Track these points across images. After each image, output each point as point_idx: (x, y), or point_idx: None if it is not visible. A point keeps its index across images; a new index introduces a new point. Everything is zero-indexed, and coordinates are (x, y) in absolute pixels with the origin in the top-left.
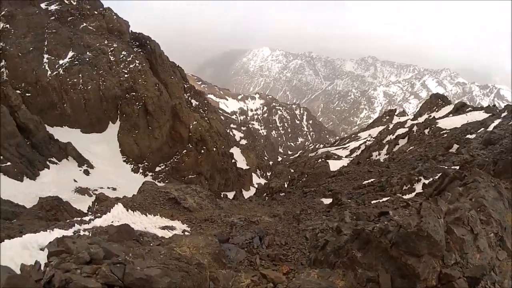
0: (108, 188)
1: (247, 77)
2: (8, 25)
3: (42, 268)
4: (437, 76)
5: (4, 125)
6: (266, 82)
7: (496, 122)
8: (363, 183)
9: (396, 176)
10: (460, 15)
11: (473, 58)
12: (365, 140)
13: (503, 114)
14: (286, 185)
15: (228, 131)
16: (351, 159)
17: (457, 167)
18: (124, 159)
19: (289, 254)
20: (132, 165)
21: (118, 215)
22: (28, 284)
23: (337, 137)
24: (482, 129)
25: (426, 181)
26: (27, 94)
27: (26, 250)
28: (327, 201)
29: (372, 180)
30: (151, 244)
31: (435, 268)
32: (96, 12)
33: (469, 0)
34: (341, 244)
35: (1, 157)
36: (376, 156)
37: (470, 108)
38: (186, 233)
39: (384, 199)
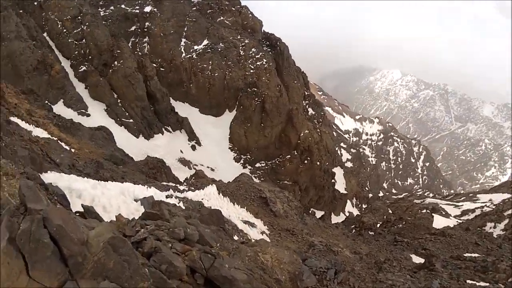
0: (208, 167)
1: (370, 98)
2: (155, 9)
3: (135, 225)
4: None
5: (136, 89)
6: (390, 108)
7: None
8: (465, 255)
9: (507, 261)
10: None
11: None
12: (483, 204)
13: None
14: (378, 225)
15: (336, 149)
16: (460, 221)
17: None
18: (230, 146)
19: None
20: (236, 154)
21: (209, 195)
22: (125, 248)
23: (452, 191)
24: None
25: None
26: (161, 69)
27: (123, 196)
28: (418, 259)
29: (476, 255)
30: (235, 238)
31: None
32: (233, 9)
33: None
34: None
35: (127, 113)
36: (491, 228)
37: None
38: (265, 235)
39: (483, 284)
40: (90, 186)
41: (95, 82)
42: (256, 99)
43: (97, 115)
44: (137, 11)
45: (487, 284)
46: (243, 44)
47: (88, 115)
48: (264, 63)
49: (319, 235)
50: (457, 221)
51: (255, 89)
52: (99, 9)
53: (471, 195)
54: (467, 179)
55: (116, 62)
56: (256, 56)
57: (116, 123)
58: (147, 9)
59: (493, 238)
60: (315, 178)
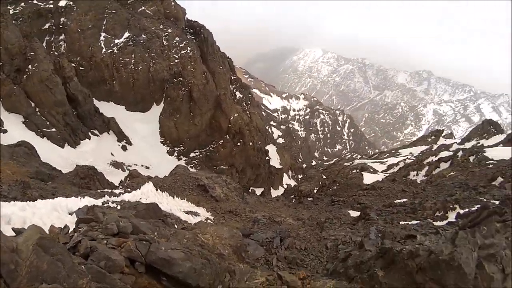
0: (142, 166)
1: (295, 76)
2: (71, 2)
3: (69, 232)
4: (494, 101)
5: (55, 94)
6: (313, 84)
7: None
8: (395, 201)
9: (431, 200)
10: None
11: None
12: (405, 157)
13: None
14: (315, 191)
15: (267, 127)
16: (387, 175)
17: (497, 202)
18: (162, 140)
19: (307, 260)
20: (169, 148)
21: (147, 193)
22: (56, 247)
23: (377, 150)
24: None
25: (461, 211)
26: (80, 68)
27: (56, 212)
28: (355, 214)
29: (404, 200)
30: (176, 226)
31: None
32: None
33: None
34: (364, 259)
35: (48, 122)
36: (414, 176)
37: None
38: (209, 221)
39: (414, 222)
40: (18, 209)
41: (8, 92)
42: (183, 89)
43: (14, 130)
44: (51, 6)
45: (418, 221)
46: (166, 34)
47: (5, 131)
48: (188, 51)
49: (262, 210)
50: (384, 175)
51: (181, 79)
52: (8, 7)
53: (393, 151)
54: (389, 138)
55: (30, 66)
56: (180, 45)
57: (37, 135)
58: (62, 3)
59: (417, 184)
60: (250, 158)
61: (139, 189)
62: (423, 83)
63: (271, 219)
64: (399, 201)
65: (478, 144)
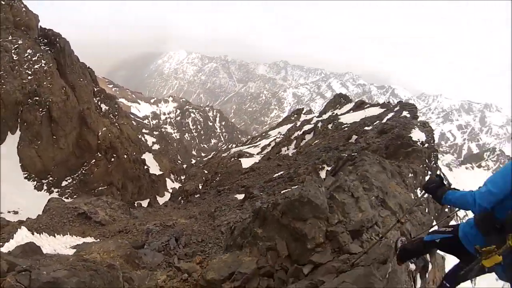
0: (9, 212)
1: (161, 80)
2: None
3: None
4: (341, 78)
5: None
6: (180, 85)
7: (390, 115)
8: (274, 176)
9: (303, 166)
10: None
11: (375, 63)
12: (275, 137)
13: (395, 109)
14: (200, 187)
15: (140, 136)
16: (262, 156)
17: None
18: (26, 175)
19: (207, 249)
20: (35, 182)
21: (22, 241)
22: None
23: (249, 137)
24: (378, 121)
25: (329, 168)
26: None
27: None
28: (241, 196)
29: (281, 172)
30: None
31: (320, 227)
32: (3, 2)
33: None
34: (245, 226)
35: None
36: (285, 151)
37: (368, 105)
38: None
39: (294, 187)
40: None
41: None
42: (41, 109)
43: None
44: None
45: (297, 186)
46: (16, 46)
47: None
48: (43, 65)
49: (153, 220)
50: (260, 157)
51: (38, 98)
52: None
53: (264, 134)
54: (258, 124)
55: None
56: (33, 59)
57: None
58: None
59: (289, 157)
60: (128, 171)
61: (12, 239)
62: (281, 71)
63: (163, 225)
64: (277, 175)
65: (333, 114)
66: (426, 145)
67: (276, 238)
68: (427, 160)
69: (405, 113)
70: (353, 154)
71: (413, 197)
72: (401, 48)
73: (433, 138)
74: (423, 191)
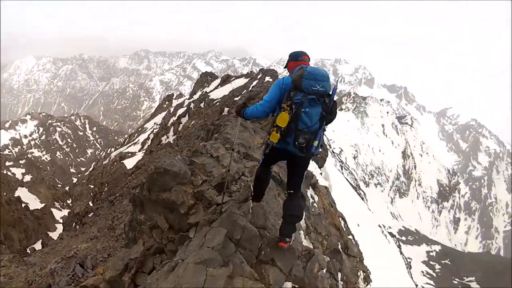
0: None
1: (11, 98)
2: None
3: None
4: (205, 57)
5: None
6: (36, 98)
7: (254, 83)
8: (164, 166)
9: (185, 149)
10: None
11: (234, 38)
12: (152, 129)
13: (258, 76)
14: (91, 204)
15: (5, 171)
16: (144, 151)
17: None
18: None
19: None
20: None
21: None
22: None
23: (126, 136)
24: (245, 90)
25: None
26: None
27: None
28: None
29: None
30: None
31: (186, 191)
32: None
33: None
34: (130, 218)
35: None
36: (166, 139)
37: (233, 78)
38: None
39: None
40: None
41: None
42: None
43: None
44: None
45: None
46: None
47: None
48: None
49: (52, 259)
50: (142, 153)
51: None
52: None
53: (140, 129)
54: (131, 120)
55: None
56: None
57: None
58: None
59: (171, 144)
60: (5, 217)
61: None
62: (144, 61)
63: (65, 259)
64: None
65: (203, 93)
66: None
67: (154, 216)
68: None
69: (267, 78)
70: (216, 123)
71: None
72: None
73: None
74: (236, 114)
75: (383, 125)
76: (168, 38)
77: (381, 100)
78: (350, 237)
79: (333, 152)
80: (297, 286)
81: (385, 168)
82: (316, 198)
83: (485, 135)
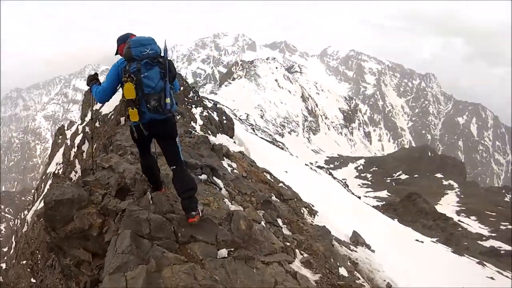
0: None
1: None
2: None
3: None
4: (83, 74)
5: None
6: None
7: None
8: None
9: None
10: None
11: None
12: (56, 171)
13: None
14: (34, 280)
15: None
16: None
17: None
18: None
19: None
20: None
21: None
22: None
23: (33, 191)
24: None
25: None
26: None
27: None
28: None
29: None
30: None
31: (90, 212)
32: None
33: None
34: (59, 269)
35: None
36: (75, 175)
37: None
38: None
39: None
40: None
41: None
42: None
43: None
44: None
45: None
46: None
47: None
48: None
49: None
50: None
51: None
52: None
53: (44, 177)
54: (31, 172)
55: None
56: None
57: None
58: None
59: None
60: None
61: None
62: (18, 102)
63: None
64: None
65: (94, 111)
66: (181, 88)
67: (75, 252)
68: (185, 99)
69: None
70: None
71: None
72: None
73: (184, 79)
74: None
75: (276, 80)
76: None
77: (266, 59)
78: (281, 184)
79: (240, 119)
80: (232, 248)
81: (291, 115)
82: (234, 165)
83: (365, 59)
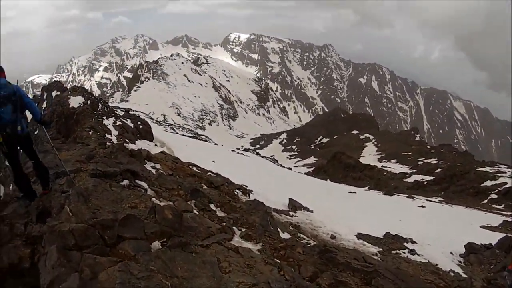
0: None
1: None
2: None
3: None
4: None
5: None
6: None
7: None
8: None
9: None
10: None
11: None
12: None
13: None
14: None
15: None
16: None
17: None
18: None
19: None
20: None
21: None
22: None
23: None
24: None
25: None
26: None
27: None
28: None
29: None
30: None
31: (16, 246)
32: None
33: None
34: None
35: None
36: None
37: None
38: None
39: None
40: None
41: None
42: None
43: None
44: None
45: None
46: None
47: None
48: None
49: None
50: None
51: None
52: None
53: None
54: None
55: None
56: None
57: None
58: None
59: None
60: None
61: None
62: None
63: None
64: None
65: None
66: (88, 102)
67: None
68: (94, 112)
69: (54, 93)
70: None
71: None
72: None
73: (89, 93)
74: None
75: (185, 75)
76: None
77: (171, 55)
78: (209, 173)
79: (158, 121)
80: (165, 239)
81: (207, 107)
82: (159, 166)
83: (266, 41)
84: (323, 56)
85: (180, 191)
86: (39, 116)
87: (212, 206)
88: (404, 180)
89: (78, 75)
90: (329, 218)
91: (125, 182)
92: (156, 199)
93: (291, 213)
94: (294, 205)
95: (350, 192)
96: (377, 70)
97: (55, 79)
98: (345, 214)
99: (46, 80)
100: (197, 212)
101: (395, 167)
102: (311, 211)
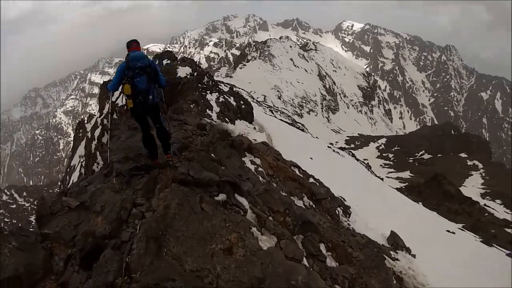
0: None
1: None
2: None
3: None
4: (96, 69)
5: None
6: None
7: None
8: None
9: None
10: None
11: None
12: (79, 163)
13: (156, 63)
14: None
15: None
16: None
17: None
18: None
19: None
20: None
21: None
22: None
23: (59, 183)
24: None
25: None
26: None
27: None
28: None
29: None
30: None
31: None
32: None
33: None
34: None
35: None
36: (97, 167)
37: None
38: None
39: None
40: None
41: None
42: None
43: None
44: None
45: None
46: None
47: None
48: None
49: None
50: None
51: None
52: None
53: (68, 169)
54: (56, 165)
55: None
56: None
57: None
58: None
59: None
60: None
61: None
62: (38, 101)
63: None
64: None
65: (110, 103)
66: (195, 74)
67: None
68: (199, 85)
69: (165, 61)
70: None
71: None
72: None
73: (197, 65)
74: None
75: (291, 59)
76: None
77: (280, 38)
78: (311, 179)
79: (258, 101)
80: None
81: (309, 94)
82: (258, 161)
83: (382, 33)
84: (443, 59)
85: (287, 217)
86: (164, 85)
87: (322, 247)
88: (506, 229)
89: (189, 48)
90: (432, 270)
91: (221, 197)
92: (256, 230)
93: (392, 253)
94: (397, 242)
95: (448, 231)
96: (504, 86)
97: (168, 49)
98: (447, 267)
99: (160, 49)
100: (306, 263)
101: (499, 210)
102: (413, 255)
